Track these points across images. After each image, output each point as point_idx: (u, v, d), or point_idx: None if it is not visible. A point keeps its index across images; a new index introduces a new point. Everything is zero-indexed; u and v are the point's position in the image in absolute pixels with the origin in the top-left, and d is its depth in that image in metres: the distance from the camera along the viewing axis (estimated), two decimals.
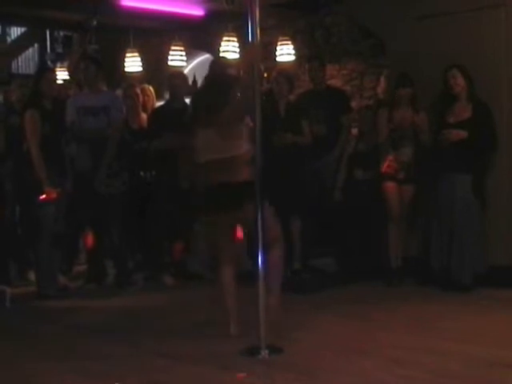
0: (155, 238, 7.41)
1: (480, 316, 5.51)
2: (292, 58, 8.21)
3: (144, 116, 7.73)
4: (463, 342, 4.77)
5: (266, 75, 8.03)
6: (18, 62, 12.01)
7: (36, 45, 11.74)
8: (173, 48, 8.66)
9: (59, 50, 11.05)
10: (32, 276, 7.20)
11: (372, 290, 6.60)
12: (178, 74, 7.99)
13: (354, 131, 7.54)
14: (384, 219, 6.82)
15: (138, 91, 7.78)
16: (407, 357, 4.50)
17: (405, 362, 4.38)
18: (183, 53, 8.71)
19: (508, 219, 6.56)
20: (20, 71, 11.93)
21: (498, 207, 6.55)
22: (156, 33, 9.19)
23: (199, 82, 9.09)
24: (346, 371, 4.27)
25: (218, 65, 5.45)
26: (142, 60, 8.80)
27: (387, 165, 6.72)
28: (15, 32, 11.93)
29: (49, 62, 10.65)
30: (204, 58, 9.52)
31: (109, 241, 7.39)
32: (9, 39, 12.13)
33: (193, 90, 8.57)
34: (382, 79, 7.88)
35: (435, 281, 6.47)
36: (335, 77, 8.35)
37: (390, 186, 6.75)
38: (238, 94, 4.99)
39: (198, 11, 8.32)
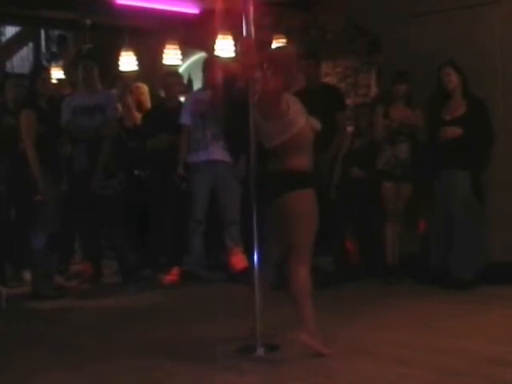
0: (152, 237, 7.40)
1: (480, 313, 5.50)
2: None
3: (138, 115, 7.75)
4: (464, 339, 4.76)
5: None
6: (12, 62, 11.95)
7: (31, 44, 11.69)
8: (167, 47, 8.64)
9: (54, 49, 11.03)
10: (28, 276, 7.18)
11: (370, 289, 6.59)
12: (172, 72, 7.98)
13: (350, 129, 7.53)
14: (381, 217, 6.82)
15: (134, 90, 7.83)
16: (407, 355, 4.49)
17: (405, 361, 4.37)
18: (178, 51, 8.70)
19: (507, 215, 6.55)
20: (15, 71, 11.87)
21: (496, 203, 6.55)
22: (151, 31, 9.17)
23: (194, 81, 9.13)
24: (345, 370, 4.26)
25: None
26: (136, 59, 8.78)
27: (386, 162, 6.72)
28: (10, 31, 11.89)
29: (44, 62, 10.62)
30: (199, 56, 9.49)
31: (109, 241, 7.37)
32: (3, 39, 12.08)
33: (187, 89, 8.58)
34: (372, 76, 7.88)
35: (435, 278, 6.46)
36: (330, 74, 8.34)
37: (387, 185, 6.74)
38: None
39: (192, 9, 8.31)
